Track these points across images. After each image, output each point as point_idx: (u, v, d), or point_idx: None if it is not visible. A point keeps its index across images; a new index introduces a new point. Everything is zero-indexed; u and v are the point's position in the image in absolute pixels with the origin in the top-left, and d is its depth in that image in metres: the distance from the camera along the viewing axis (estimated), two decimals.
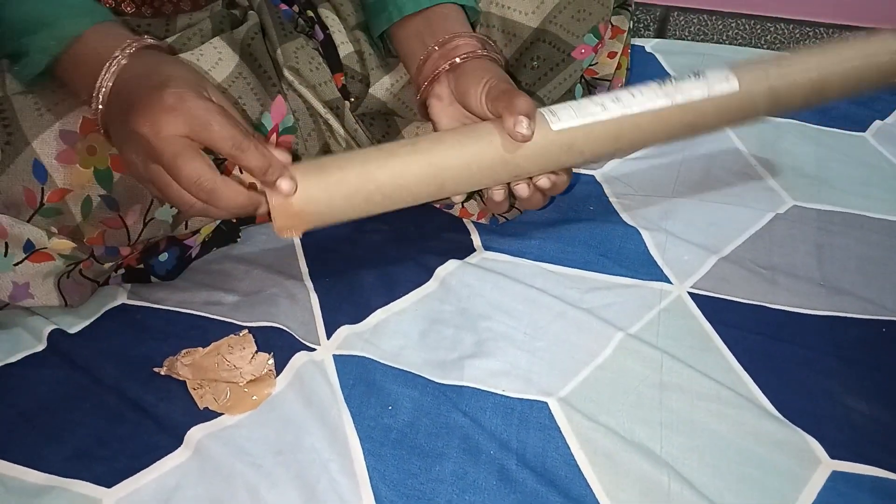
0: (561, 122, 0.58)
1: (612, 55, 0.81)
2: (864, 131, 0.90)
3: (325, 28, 0.72)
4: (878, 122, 0.91)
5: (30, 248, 0.61)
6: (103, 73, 0.55)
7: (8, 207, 0.59)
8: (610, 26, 0.79)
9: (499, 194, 0.63)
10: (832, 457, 0.57)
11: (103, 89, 0.55)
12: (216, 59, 0.68)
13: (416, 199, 0.59)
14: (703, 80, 0.60)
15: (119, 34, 0.57)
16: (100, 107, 0.55)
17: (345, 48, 0.72)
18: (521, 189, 0.62)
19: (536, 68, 0.78)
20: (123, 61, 0.55)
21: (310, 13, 0.73)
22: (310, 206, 0.55)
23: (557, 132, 0.58)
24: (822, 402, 0.61)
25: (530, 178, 0.61)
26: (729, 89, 0.60)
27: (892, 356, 0.65)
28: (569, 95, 0.81)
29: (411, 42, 0.68)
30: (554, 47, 0.77)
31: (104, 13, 0.59)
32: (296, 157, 0.59)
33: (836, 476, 0.56)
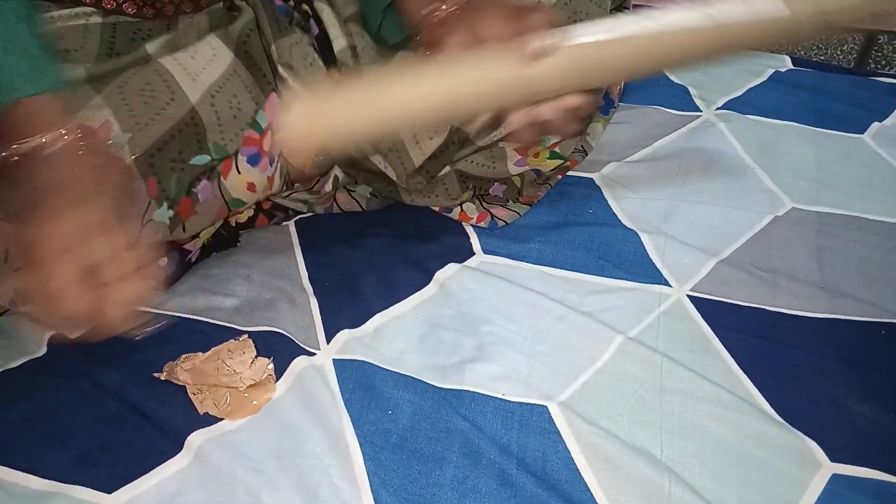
0: (583, 38, 0.55)
1: None
2: (862, 133, 0.90)
3: (319, 22, 0.72)
4: (876, 124, 0.91)
5: None
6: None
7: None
8: None
9: (518, 118, 0.58)
10: (833, 460, 0.57)
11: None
12: (210, 56, 0.68)
13: (430, 114, 0.56)
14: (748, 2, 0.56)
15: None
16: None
17: (339, 42, 0.71)
18: (545, 111, 0.57)
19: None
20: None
21: (305, 7, 0.73)
22: (322, 118, 0.53)
23: (579, 46, 0.55)
24: (822, 405, 0.61)
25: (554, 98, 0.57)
26: (776, 12, 0.55)
27: (893, 358, 0.65)
28: None
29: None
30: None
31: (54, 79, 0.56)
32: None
33: (836, 479, 0.56)
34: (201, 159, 0.66)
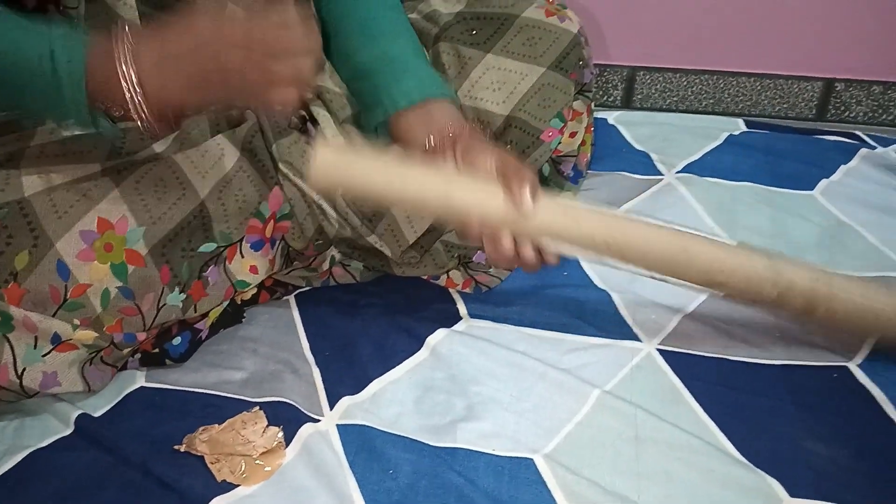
0: (564, 201, 0.67)
1: (573, 135, 0.90)
2: (812, 190, 0.98)
3: (316, 124, 0.80)
4: (824, 181, 1.00)
5: (57, 340, 0.67)
6: (118, 55, 0.57)
7: (35, 305, 0.65)
8: (571, 110, 0.87)
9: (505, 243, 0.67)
10: (792, 496, 0.63)
11: (128, 60, 0.57)
12: (219, 154, 0.76)
13: (427, 206, 0.68)
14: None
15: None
16: (132, 79, 0.57)
17: (335, 141, 0.79)
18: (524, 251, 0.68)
19: (509, 150, 0.86)
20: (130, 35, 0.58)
21: (302, 112, 0.81)
22: (340, 165, 0.64)
23: (557, 204, 0.67)
24: (782, 446, 0.68)
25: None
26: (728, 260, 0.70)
27: (844, 399, 0.72)
28: (539, 175, 0.89)
29: (412, 130, 0.75)
30: (524, 132, 0.86)
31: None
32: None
33: None
34: (209, 247, 0.73)
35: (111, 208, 0.67)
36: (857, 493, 0.63)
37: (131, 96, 0.58)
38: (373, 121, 0.78)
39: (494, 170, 0.67)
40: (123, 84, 0.57)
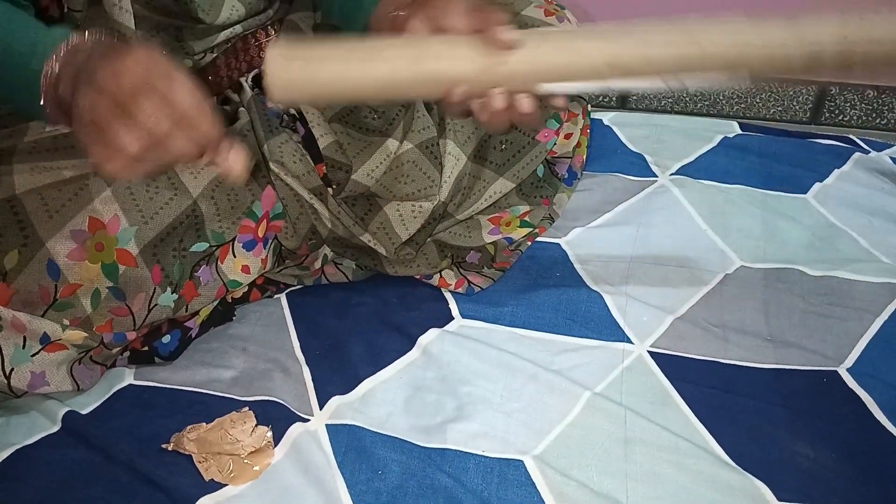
0: (542, 31, 0.58)
1: (568, 136, 0.89)
2: (805, 193, 0.98)
3: (305, 123, 0.79)
4: (818, 185, 1.00)
5: (46, 341, 0.67)
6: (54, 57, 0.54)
7: (25, 304, 0.65)
8: (567, 112, 0.87)
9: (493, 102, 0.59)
10: (780, 499, 0.63)
11: (53, 68, 0.54)
12: None
13: (404, 82, 0.58)
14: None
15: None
16: (51, 69, 0.54)
17: (325, 139, 0.78)
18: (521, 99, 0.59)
19: (504, 150, 0.86)
20: (76, 39, 0.55)
21: (292, 111, 0.81)
22: (298, 68, 0.57)
23: (549, 41, 0.58)
24: (770, 450, 0.68)
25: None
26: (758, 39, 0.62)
27: (833, 404, 0.72)
28: (533, 175, 0.89)
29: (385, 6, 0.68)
30: (519, 131, 0.85)
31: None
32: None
33: None
34: (200, 246, 0.73)
35: (103, 207, 0.67)
36: (845, 497, 0.64)
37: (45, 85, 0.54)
38: (359, 23, 0.72)
39: (466, 26, 0.59)
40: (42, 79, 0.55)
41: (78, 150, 0.70)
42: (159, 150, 0.50)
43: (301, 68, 0.57)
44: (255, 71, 0.80)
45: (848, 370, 0.75)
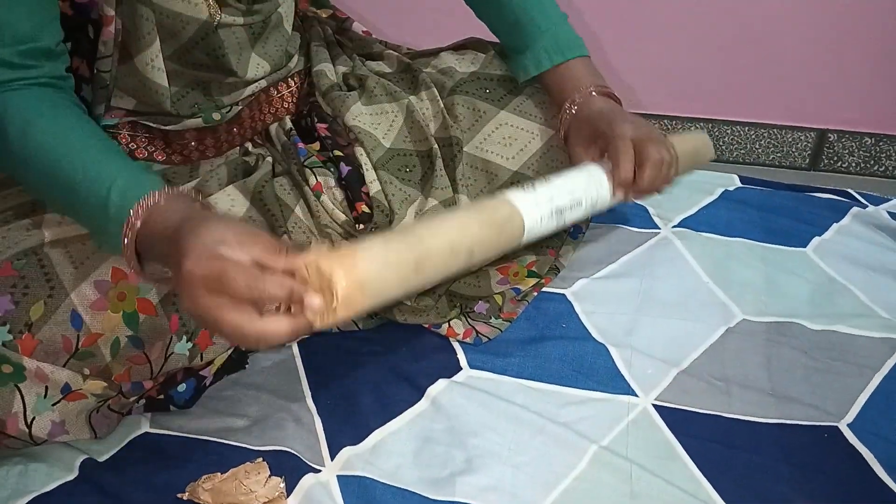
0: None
1: None
2: (805, 247, 1.01)
3: (351, 165, 0.83)
4: (817, 238, 1.02)
5: (67, 390, 0.68)
6: (132, 218, 0.59)
7: (48, 355, 0.67)
8: None
9: None
10: None
11: (134, 226, 0.59)
12: (229, 204, 0.78)
13: (450, 267, 0.63)
14: None
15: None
16: (125, 240, 0.59)
17: (374, 186, 0.82)
18: None
19: None
20: (159, 201, 0.60)
21: (337, 153, 0.84)
22: (368, 281, 0.57)
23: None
24: None
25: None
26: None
27: (834, 459, 0.74)
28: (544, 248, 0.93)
29: (551, 93, 0.87)
30: None
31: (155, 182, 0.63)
32: None
33: None
34: None
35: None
36: None
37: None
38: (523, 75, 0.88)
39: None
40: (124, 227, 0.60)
41: None
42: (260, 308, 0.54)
43: (366, 282, 0.57)
44: (288, 119, 0.86)
45: (848, 426, 0.76)
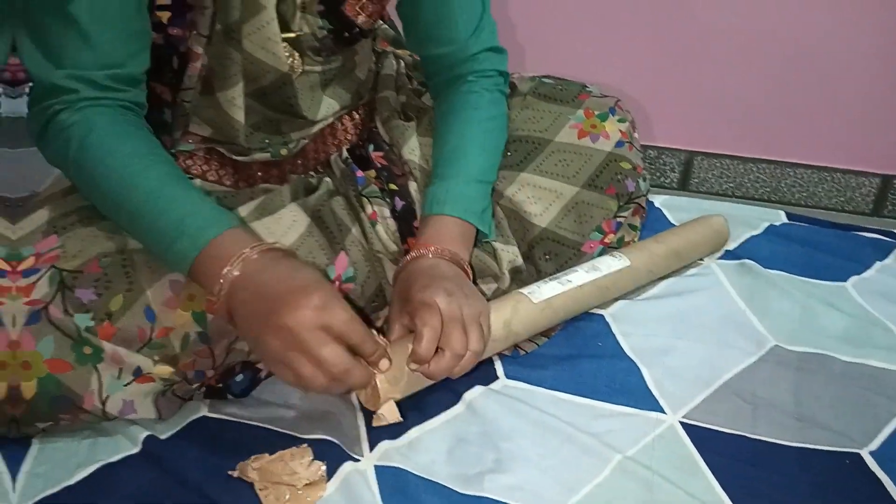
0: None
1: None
2: (845, 282, 1.02)
3: (405, 199, 0.90)
4: (857, 276, 1.04)
5: (138, 373, 0.76)
6: (229, 265, 0.69)
7: (123, 342, 0.74)
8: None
9: None
10: None
11: (230, 276, 0.69)
12: (291, 221, 0.85)
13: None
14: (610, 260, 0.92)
15: (244, 238, 0.72)
16: (222, 291, 0.69)
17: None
18: None
19: (549, 261, 0.94)
20: (254, 255, 0.69)
21: (392, 186, 0.91)
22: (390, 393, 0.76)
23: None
24: None
25: None
26: (622, 265, 0.92)
27: (854, 483, 0.75)
28: None
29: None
30: (563, 245, 0.93)
31: (231, 218, 0.74)
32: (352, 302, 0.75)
33: None
34: None
35: None
36: None
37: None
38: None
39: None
40: (211, 297, 0.71)
41: None
42: (338, 385, 0.68)
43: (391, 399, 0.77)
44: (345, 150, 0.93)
45: (871, 453, 0.78)
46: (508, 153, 0.94)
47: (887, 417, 0.82)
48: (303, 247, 0.83)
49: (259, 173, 0.90)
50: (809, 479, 0.76)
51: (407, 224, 0.88)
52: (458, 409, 0.84)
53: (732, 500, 0.73)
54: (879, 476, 0.76)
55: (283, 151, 0.88)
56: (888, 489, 0.74)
